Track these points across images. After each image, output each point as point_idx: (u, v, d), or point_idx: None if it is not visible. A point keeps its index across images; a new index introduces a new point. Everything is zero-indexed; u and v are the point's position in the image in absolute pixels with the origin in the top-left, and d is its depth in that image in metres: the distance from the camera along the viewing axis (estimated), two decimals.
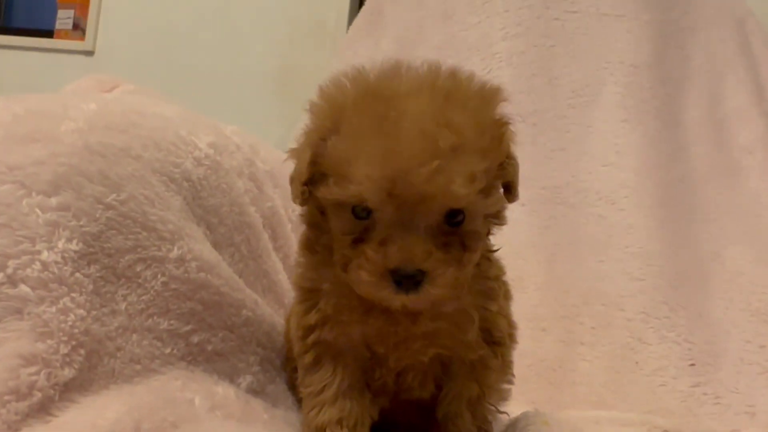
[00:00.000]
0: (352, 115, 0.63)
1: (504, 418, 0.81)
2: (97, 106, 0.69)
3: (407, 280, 0.61)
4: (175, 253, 0.67)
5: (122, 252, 0.62)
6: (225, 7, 2.66)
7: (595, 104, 1.71)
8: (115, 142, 0.67)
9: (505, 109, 0.68)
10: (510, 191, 0.68)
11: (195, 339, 0.68)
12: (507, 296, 0.78)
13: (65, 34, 2.80)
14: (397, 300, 0.63)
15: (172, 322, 0.66)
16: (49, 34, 2.87)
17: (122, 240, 0.62)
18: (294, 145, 0.70)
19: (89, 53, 2.76)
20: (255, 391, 0.75)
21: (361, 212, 0.64)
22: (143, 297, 0.64)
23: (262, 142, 1.04)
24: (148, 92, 0.91)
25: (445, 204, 0.62)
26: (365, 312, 0.69)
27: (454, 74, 0.67)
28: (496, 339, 0.74)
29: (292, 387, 0.81)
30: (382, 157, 0.60)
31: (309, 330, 0.70)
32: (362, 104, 0.63)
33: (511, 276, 1.47)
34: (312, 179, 0.66)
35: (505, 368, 0.78)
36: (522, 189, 1.70)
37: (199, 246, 0.72)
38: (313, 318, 0.70)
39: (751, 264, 1.46)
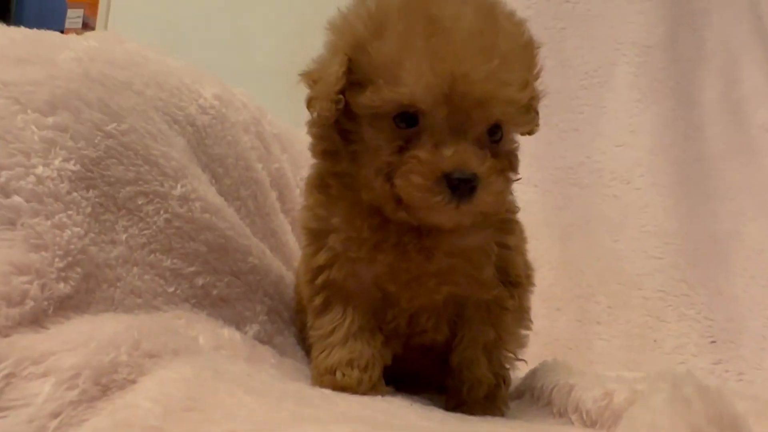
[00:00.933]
0: (398, 17, 0.61)
1: (522, 366, 0.77)
2: (99, 44, 0.67)
3: (463, 184, 0.59)
4: (178, 190, 0.65)
5: (123, 183, 0.60)
6: (234, 4, 2.65)
7: (608, 85, 1.69)
8: (116, 74, 0.64)
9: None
10: (536, 123, 0.68)
11: (200, 281, 0.65)
12: (523, 236, 0.75)
13: (75, 33, 2.80)
14: (448, 209, 0.60)
15: (175, 260, 0.63)
16: (60, 33, 2.87)
17: (123, 170, 0.60)
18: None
19: None
20: (262, 341, 0.72)
21: (404, 120, 0.61)
22: (145, 231, 0.61)
23: (269, 110, 1.02)
24: (153, 47, 0.89)
25: (499, 109, 0.60)
26: (376, 247, 0.66)
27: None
28: (513, 279, 0.71)
29: (302, 341, 0.78)
30: (438, 56, 0.58)
31: (318, 271, 0.67)
32: (411, 7, 0.61)
33: None
34: (347, 90, 0.62)
35: (522, 312, 0.74)
36: (535, 169, 1.68)
37: (204, 187, 0.69)
38: (322, 258, 0.67)
39: None
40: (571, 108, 1.65)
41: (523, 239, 0.74)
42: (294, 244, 0.92)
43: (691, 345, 1.31)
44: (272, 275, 0.76)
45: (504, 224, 0.70)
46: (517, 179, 0.70)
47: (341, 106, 0.63)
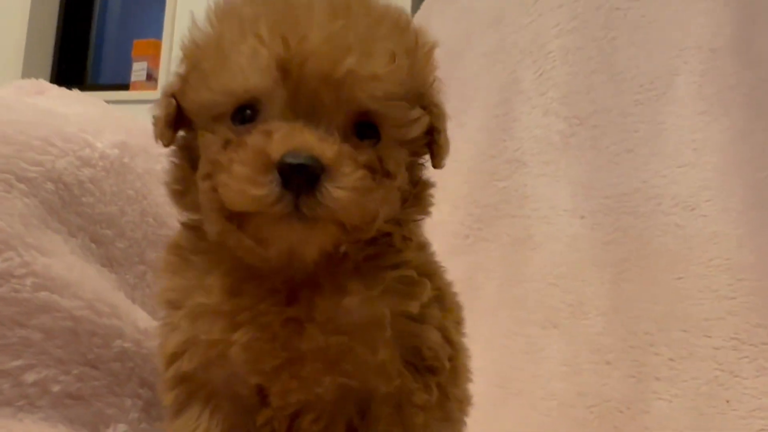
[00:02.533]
0: (242, 3, 0.50)
1: None
2: None
3: (299, 171, 0.43)
4: None
5: None
6: None
7: (667, 97, 1.46)
8: None
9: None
10: (436, 145, 0.50)
11: (30, 377, 0.52)
12: (451, 307, 0.56)
13: (140, 86, 2.86)
14: (280, 214, 0.45)
15: None
16: (126, 87, 2.95)
17: None
18: None
19: None
20: None
21: (243, 116, 0.48)
22: None
23: None
24: (81, 98, 0.78)
25: (355, 93, 0.46)
26: (230, 321, 0.49)
27: None
28: (428, 363, 0.52)
29: None
30: (275, 21, 0.46)
31: (169, 360, 0.52)
32: None
33: (569, 301, 1.20)
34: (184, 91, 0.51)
35: (445, 406, 0.54)
36: (582, 199, 1.45)
37: (48, 260, 0.55)
38: (172, 342, 0.51)
39: None
40: (624, 127, 1.43)
41: (451, 312, 0.55)
42: None
43: None
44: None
45: (407, 284, 0.51)
46: (418, 218, 0.52)
47: (172, 110, 0.51)
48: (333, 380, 0.51)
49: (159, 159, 0.73)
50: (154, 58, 2.83)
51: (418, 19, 1.91)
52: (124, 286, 0.64)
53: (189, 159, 0.53)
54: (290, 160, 0.44)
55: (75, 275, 0.58)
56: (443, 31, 1.84)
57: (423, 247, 0.57)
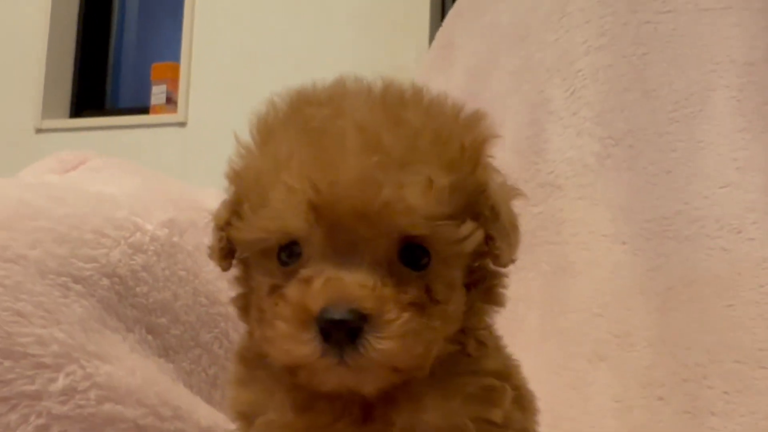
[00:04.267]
0: (280, 128, 0.49)
1: None
2: None
3: (339, 327, 0.42)
4: (60, 383, 0.50)
5: None
6: (311, 67, 2.57)
7: (704, 115, 1.42)
8: None
9: (489, 128, 0.52)
10: (496, 249, 0.47)
11: None
12: (526, 407, 0.53)
13: (160, 109, 2.85)
14: (327, 366, 0.44)
15: None
16: (146, 110, 2.94)
17: None
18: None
19: (182, 124, 2.77)
20: None
21: (289, 255, 0.47)
22: None
23: None
24: (123, 165, 0.76)
25: (394, 222, 0.44)
26: None
27: (415, 87, 0.51)
28: None
29: None
30: (305, 163, 0.45)
31: None
32: (292, 112, 0.49)
33: (615, 331, 1.17)
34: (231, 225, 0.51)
35: None
36: (622, 224, 1.41)
37: (110, 367, 0.53)
38: None
39: None
40: (661, 146, 1.39)
41: (525, 411, 0.53)
42: None
43: None
44: None
45: (485, 392, 0.50)
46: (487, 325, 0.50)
47: (223, 244, 0.51)
48: None
49: (207, 232, 0.71)
50: (173, 80, 2.82)
51: (441, 38, 1.88)
52: (181, 375, 0.62)
53: (249, 282, 0.52)
54: (329, 315, 0.42)
55: (137, 379, 0.55)
56: (468, 49, 1.80)
57: (498, 347, 0.54)
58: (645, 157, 1.37)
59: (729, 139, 1.33)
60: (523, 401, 0.54)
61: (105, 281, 0.57)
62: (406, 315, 0.44)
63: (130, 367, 0.55)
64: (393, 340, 0.43)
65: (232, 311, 0.69)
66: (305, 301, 0.44)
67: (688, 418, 1.11)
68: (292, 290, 0.45)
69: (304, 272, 0.46)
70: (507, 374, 0.53)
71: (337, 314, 0.42)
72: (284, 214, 0.45)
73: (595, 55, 1.51)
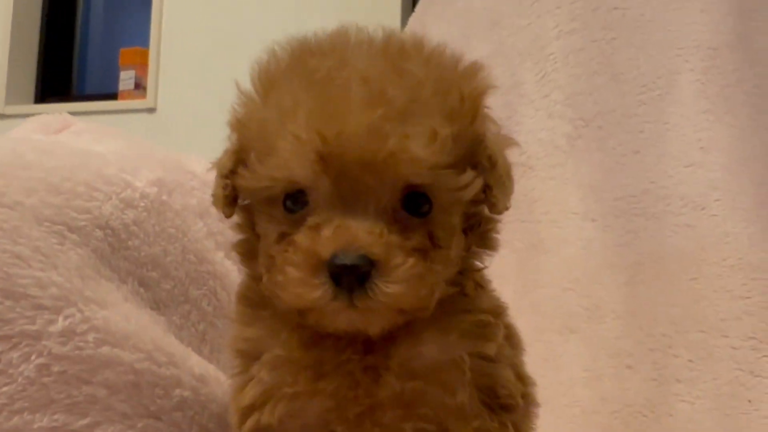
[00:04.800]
0: (282, 78, 0.50)
1: None
2: None
3: (349, 272, 0.44)
4: (59, 324, 0.50)
5: None
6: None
7: (670, 97, 1.46)
8: None
9: (487, 79, 0.53)
10: (493, 197, 0.50)
11: None
12: (515, 344, 0.56)
13: (128, 95, 2.82)
14: (337, 308, 0.46)
15: (57, 416, 0.49)
16: (114, 96, 2.90)
17: None
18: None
19: (151, 110, 2.74)
20: None
21: (294, 202, 0.49)
22: (4, 389, 0.47)
23: None
24: (107, 130, 0.77)
25: (399, 172, 0.46)
26: (315, 372, 0.50)
27: (415, 37, 0.53)
28: (503, 401, 0.52)
29: None
30: (312, 113, 0.46)
31: (245, 413, 0.51)
32: (295, 63, 0.50)
33: (585, 305, 1.20)
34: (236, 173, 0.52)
35: None
36: (592, 202, 1.45)
37: (107, 312, 0.54)
38: (249, 395, 0.51)
39: None
40: (629, 128, 1.43)
41: (515, 348, 0.55)
42: None
43: None
44: (214, 405, 0.60)
45: (480, 327, 0.52)
46: (482, 267, 0.53)
47: (228, 192, 0.52)
48: (413, 425, 0.51)
49: (193, 193, 0.72)
50: (142, 66, 2.79)
51: (414, 22, 1.89)
52: (172, 328, 0.62)
53: (252, 228, 0.53)
54: (339, 261, 0.44)
55: (132, 325, 0.56)
56: (440, 34, 1.83)
57: (489, 289, 0.57)
58: (614, 138, 1.41)
59: (693, 121, 1.38)
60: (513, 339, 0.57)
61: (98, 232, 0.58)
62: (411, 260, 0.46)
63: (125, 314, 0.56)
64: (399, 284, 0.45)
65: (219, 270, 0.71)
66: (315, 247, 0.45)
67: (655, 386, 1.15)
68: (302, 237, 0.46)
69: (312, 220, 0.47)
70: (498, 313, 0.55)
71: (347, 259, 0.44)
72: (291, 163, 0.46)
73: (566, 39, 1.54)
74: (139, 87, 2.80)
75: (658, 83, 1.45)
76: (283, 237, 0.48)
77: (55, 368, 0.50)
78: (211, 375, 0.62)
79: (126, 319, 0.56)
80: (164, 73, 2.74)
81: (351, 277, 0.44)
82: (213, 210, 0.74)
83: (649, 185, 1.34)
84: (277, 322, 0.51)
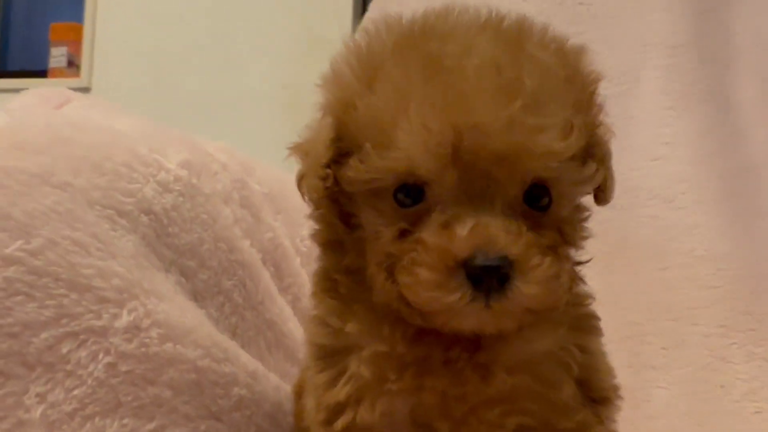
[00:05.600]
0: (393, 63, 0.46)
1: None
2: (7, 119, 0.48)
3: (489, 273, 0.42)
4: (124, 320, 0.46)
5: (35, 328, 0.41)
6: (221, 30, 2.48)
7: (635, 92, 1.50)
8: (27, 165, 0.45)
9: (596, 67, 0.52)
10: (607, 188, 0.49)
11: None
12: (600, 335, 0.56)
13: (60, 72, 2.65)
14: (472, 312, 0.43)
15: (126, 421, 0.44)
16: (43, 74, 2.71)
17: (35, 310, 0.40)
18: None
19: (86, 90, 2.58)
20: None
21: (407, 195, 0.45)
22: (75, 391, 0.42)
23: (257, 160, 0.82)
24: (106, 105, 0.70)
25: (531, 165, 0.44)
26: (420, 368, 0.47)
27: (522, 17, 0.50)
28: (600, 395, 0.52)
29: None
30: (441, 104, 0.43)
31: (336, 410, 0.48)
32: (408, 46, 0.46)
33: None
34: (336, 162, 0.47)
35: None
36: None
37: (165, 305, 0.49)
38: (342, 391, 0.47)
39: None
40: None
41: (600, 336, 0.55)
42: (299, 331, 0.73)
43: (765, 389, 1.11)
44: (267, 404, 0.56)
45: (582, 320, 0.52)
46: (584, 261, 0.52)
47: (329, 183, 0.47)
48: (516, 421, 0.49)
49: (217, 177, 0.67)
50: (75, 43, 2.61)
51: (374, 8, 1.86)
52: (210, 321, 0.58)
53: (339, 217, 0.49)
54: (480, 262, 0.42)
55: (189, 319, 0.51)
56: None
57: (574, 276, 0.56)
58: None
59: (658, 116, 1.42)
60: (600, 331, 0.56)
61: (144, 218, 0.52)
62: (548, 259, 0.44)
63: (181, 306, 0.51)
64: (539, 285, 0.43)
65: (247, 259, 0.66)
66: (451, 247, 0.42)
67: (631, 372, 1.18)
68: (432, 236, 0.43)
69: (439, 216, 0.44)
70: (588, 303, 0.55)
71: (488, 260, 0.42)
72: (418, 156, 0.43)
73: None
74: (72, 65, 2.62)
75: (623, 78, 1.49)
76: (404, 234, 0.45)
77: (123, 368, 0.44)
78: (260, 371, 0.58)
79: (182, 312, 0.51)
80: (99, 51, 2.58)
81: (492, 279, 0.42)
82: (235, 195, 0.70)
83: (617, 177, 1.38)
84: (375, 317, 0.47)
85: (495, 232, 0.42)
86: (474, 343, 0.47)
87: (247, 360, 0.57)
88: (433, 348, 0.47)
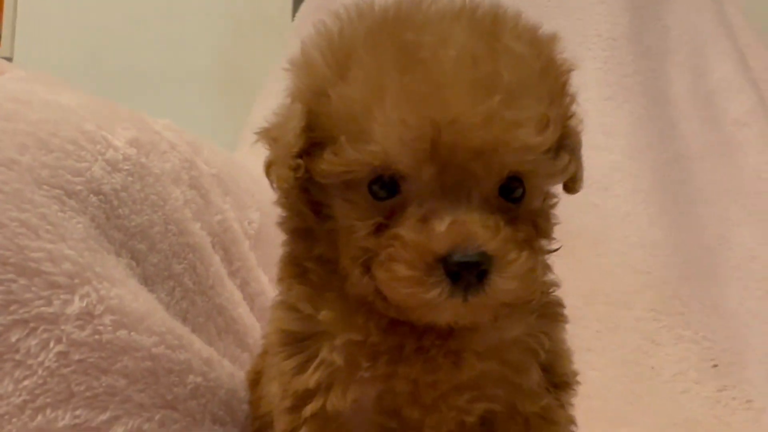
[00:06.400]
0: (366, 50, 0.44)
1: None
2: None
3: (468, 269, 0.41)
4: (76, 306, 0.43)
5: None
6: (160, 3, 2.38)
7: (576, 82, 1.52)
8: None
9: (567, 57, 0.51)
10: (578, 178, 0.49)
11: (119, 430, 0.44)
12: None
13: None
14: (450, 307, 0.42)
15: (78, 411, 0.41)
16: None
17: None
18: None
19: (7, 59, 2.43)
20: None
21: (382, 188, 0.44)
22: (25, 382, 0.39)
23: (204, 140, 0.79)
24: (48, 79, 0.66)
25: (508, 159, 0.43)
26: (393, 357, 0.47)
27: (495, 4, 0.49)
28: (561, 380, 0.52)
29: None
30: (418, 97, 0.41)
31: (304, 397, 0.47)
32: (381, 34, 0.44)
33: None
34: (307, 153, 0.46)
35: (570, 423, 0.55)
36: None
37: (118, 290, 0.47)
38: (312, 378, 0.46)
39: (762, 246, 1.29)
40: None
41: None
42: (248, 316, 0.71)
43: (692, 370, 1.16)
44: (222, 392, 0.55)
45: (549, 307, 0.52)
46: (554, 249, 0.52)
47: (300, 173, 0.45)
48: (484, 407, 0.50)
49: (167, 156, 0.64)
50: None
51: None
52: (161, 306, 0.55)
53: (308, 206, 0.48)
54: (459, 258, 0.41)
55: (142, 305, 0.48)
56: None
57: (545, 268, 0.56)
58: None
59: (597, 106, 1.45)
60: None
61: (93, 199, 0.48)
62: (525, 254, 0.43)
63: (134, 292, 0.48)
64: (516, 280, 0.43)
65: (198, 242, 0.64)
66: (429, 243, 0.41)
67: None
68: (410, 232, 0.42)
69: (416, 211, 0.43)
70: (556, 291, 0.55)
71: (466, 256, 0.41)
72: (393, 150, 0.42)
73: None
74: None
75: None
76: (381, 229, 0.44)
77: (75, 356, 0.42)
78: (214, 358, 0.56)
79: (135, 297, 0.49)
80: (22, 20, 2.44)
81: (471, 274, 0.41)
82: (185, 176, 0.68)
83: None
84: (348, 306, 0.47)
85: (473, 228, 0.42)
86: (446, 331, 0.47)
87: (201, 346, 0.55)
88: (407, 337, 0.46)
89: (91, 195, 0.49)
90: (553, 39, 0.49)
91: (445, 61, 0.42)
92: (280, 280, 0.50)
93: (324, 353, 0.46)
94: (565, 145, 0.49)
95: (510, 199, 0.45)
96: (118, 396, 0.45)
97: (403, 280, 0.42)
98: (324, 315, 0.46)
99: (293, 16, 2.05)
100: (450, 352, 0.47)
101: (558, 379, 0.52)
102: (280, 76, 0.51)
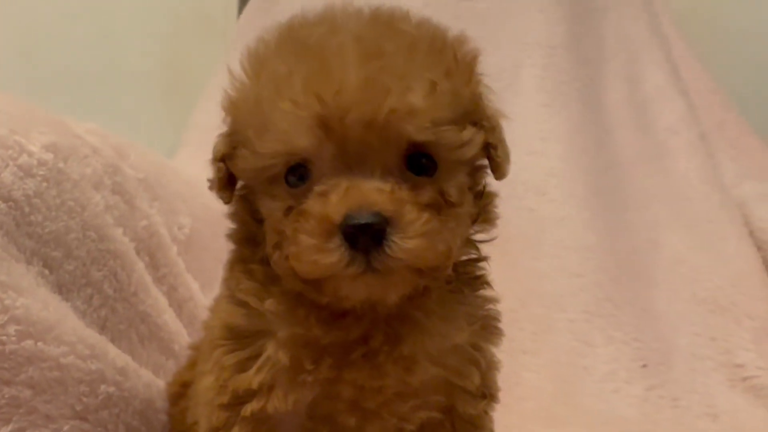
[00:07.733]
0: (273, 53, 0.48)
1: None
2: None
3: (363, 231, 0.42)
4: None
5: None
6: (99, 1, 2.32)
7: (514, 89, 1.55)
8: None
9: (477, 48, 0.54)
10: (493, 160, 0.51)
11: None
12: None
13: None
14: (354, 273, 0.43)
15: None
16: None
17: None
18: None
19: None
20: None
21: (295, 176, 0.46)
22: None
23: (133, 144, 0.78)
24: None
25: (401, 128, 0.44)
26: (339, 362, 0.47)
27: (402, 9, 0.51)
28: (491, 391, 0.54)
29: None
30: (308, 77, 0.44)
31: (244, 396, 0.47)
32: (286, 38, 0.48)
33: None
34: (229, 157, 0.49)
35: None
36: None
37: (25, 300, 0.46)
38: (256, 378, 0.47)
39: (690, 251, 1.34)
40: None
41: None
42: (174, 323, 0.70)
43: (622, 370, 1.19)
44: (137, 402, 0.54)
45: (489, 320, 0.54)
46: (485, 240, 0.53)
47: (222, 174, 0.49)
48: (425, 415, 0.51)
49: (87, 161, 0.63)
50: None
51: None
52: (76, 315, 0.54)
53: (251, 211, 0.50)
54: (352, 221, 0.42)
55: (52, 314, 0.47)
56: (296, 4, 1.77)
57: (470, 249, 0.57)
58: None
59: (534, 112, 1.48)
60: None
61: (2, 205, 0.47)
62: (425, 215, 0.44)
63: (43, 301, 0.47)
64: (417, 239, 0.43)
65: (120, 248, 0.63)
66: (327, 211, 0.43)
67: (505, 357, 1.22)
68: (312, 204, 0.44)
69: (319, 188, 0.45)
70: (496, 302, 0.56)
71: (360, 218, 0.42)
72: (291, 131, 0.44)
73: None
74: None
75: (504, 75, 1.53)
76: (290, 210, 0.45)
77: None
78: (130, 367, 0.55)
79: (45, 306, 0.47)
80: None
81: (366, 236, 0.42)
82: (107, 181, 0.66)
83: None
84: (290, 300, 0.47)
85: (366, 192, 0.43)
86: (394, 336, 0.48)
87: (116, 355, 0.53)
88: (350, 332, 0.47)
89: (0, 202, 0.48)
90: (450, 31, 0.51)
91: (333, 44, 0.44)
92: (227, 279, 0.51)
93: (270, 351, 0.46)
94: (474, 122, 0.49)
95: (420, 173, 0.46)
96: (23, 407, 0.44)
97: (306, 250, 0.43)
98: (269, 304, 0.47)
99: (238, 15, 2.02)
100: (401, 357, 0.47)
101: (488, 390, 0.53)
102: (223, 77, 0.53)
